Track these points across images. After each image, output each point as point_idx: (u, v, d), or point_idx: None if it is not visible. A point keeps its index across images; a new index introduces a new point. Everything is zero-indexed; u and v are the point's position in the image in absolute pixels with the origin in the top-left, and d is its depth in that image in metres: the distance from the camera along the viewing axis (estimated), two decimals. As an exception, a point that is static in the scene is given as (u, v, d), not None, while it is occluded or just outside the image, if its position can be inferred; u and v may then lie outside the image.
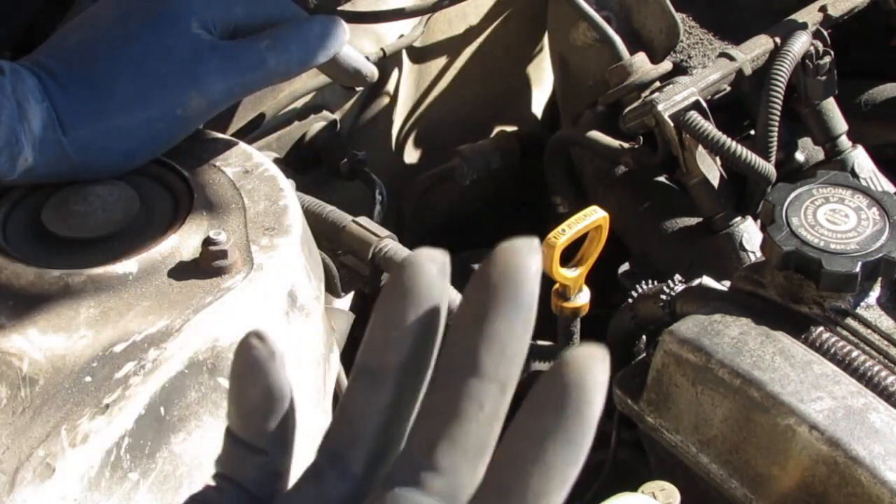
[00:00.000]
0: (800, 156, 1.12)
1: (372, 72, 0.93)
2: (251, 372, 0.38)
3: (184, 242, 0.74)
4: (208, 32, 0.79)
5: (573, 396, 0.33)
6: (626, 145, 1.11)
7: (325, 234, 0.94)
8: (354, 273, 0.95)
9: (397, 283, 0.36)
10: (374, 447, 0.36)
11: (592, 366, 0.33)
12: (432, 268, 0.37)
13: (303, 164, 1.11)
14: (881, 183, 1.08)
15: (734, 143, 1.00)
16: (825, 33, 1.08)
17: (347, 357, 0.96)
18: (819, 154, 1.12)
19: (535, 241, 0.35)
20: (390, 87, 1.20)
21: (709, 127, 1.00)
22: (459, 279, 1.18)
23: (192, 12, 0.79)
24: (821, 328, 0.83)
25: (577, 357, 0.34)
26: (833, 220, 0.85)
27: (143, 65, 0.77)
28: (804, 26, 1.08)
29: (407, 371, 0.37)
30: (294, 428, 0.39)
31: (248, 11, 0.82)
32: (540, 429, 0.34)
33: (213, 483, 0.39)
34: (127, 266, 0.72)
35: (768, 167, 1.03)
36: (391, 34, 1.16)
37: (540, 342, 1.06)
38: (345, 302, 1.05)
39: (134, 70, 0.77)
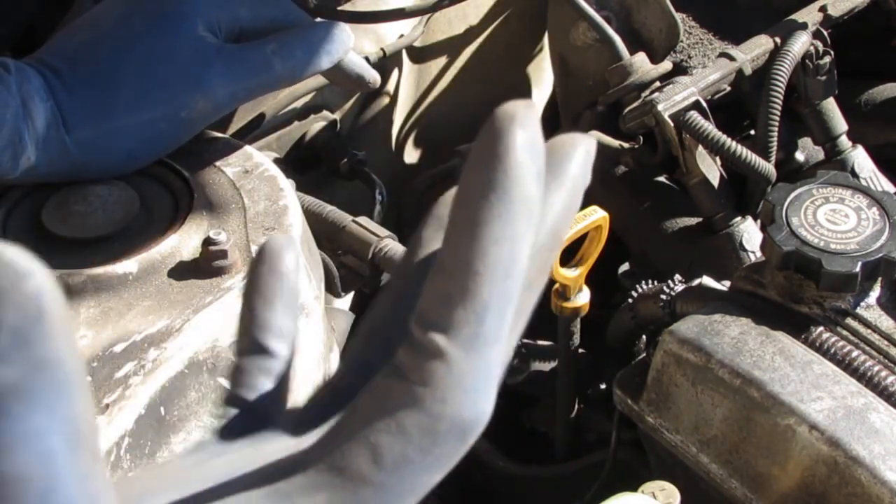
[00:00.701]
0: (800, 156, 1.12)
1: (374, 78, 0.93)
2: (272, 264, 0.38)
3: (184, 242, 0.74)
4: (213, 35, 0.79)
5: (487, 145, 0.30)
6: (626, 145, 1.11)
7: (325, 234, 0.95)
8: (354, 273, 0.95)
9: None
10: None
11: (513, 110, 0.30)
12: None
13: (303, 164, 1.11)
14: (881, 183, 1.08)
15: (734, 143, 1.00)
16: (825, 33, 1.08)
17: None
18: (819, 154, 1.12)
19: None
20: (390, 87, 1.20)
21: (709, 127, 1.00)
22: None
23: (198, 15, 0.79)
24: (821, 328, 0.83)
25: (497, 111, 0.30)
26: (833, 220, 0.85)
27: (148, 66, 0.77)
28: (804, 26, 1.08)
29: None
30: (296, 331, 0.39)
31: (252, 15, 0.82)
32: (462, 185, 0.31)
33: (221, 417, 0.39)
34: (127, 266, 0.72)
35: (768, 167, 1.03)
36: (391, 34, 1.16)
37: (540, 342, 1.06)
38: (345, 302, 1.05)
39: (139, 71, 0.77)
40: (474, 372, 0.31)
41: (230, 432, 0.37)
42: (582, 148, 0.33)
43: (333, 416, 0.34)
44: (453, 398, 0.30)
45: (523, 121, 0.30)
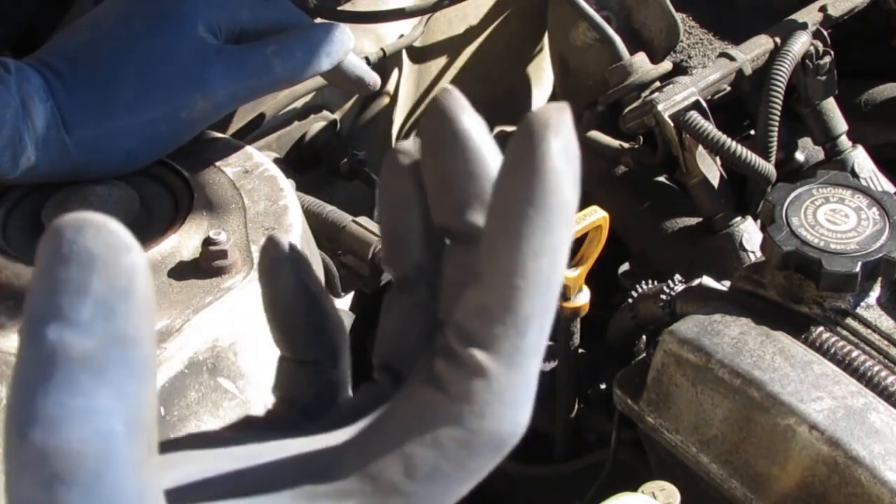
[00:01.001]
0: (800, 156, 1.13)
1: (374, 80, 0.93)
2: (275, 277, 0.37)
3: (184, 242, 0.74)
4: (214, 36, 0.79)
5: (522, 152, 0.29)
6: (626, 145, 1.11)
7: (325, 234, 0.94)
8: (354, 273, 0.95)
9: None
10: (419, 352, 0.34)
11: (546, 116, 0.29)
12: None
13: (303, 164, 1.11)
14: (881, 183, 1.08)
15: (734, 143, 1.00)
16: (825, 33, 1.08)
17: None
18: (819, 154, 1.12)
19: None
20: (390, 87, 1.20)
21: (709, 127, 1.00)
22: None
23: (198, 15, 0.79)
24: (821, 328, 0.83)
25: (530, 117, 0.30)
26: (833, 220, 0.85)
27: (148, 66, 0.77)
28: (804, 26, 1.08)
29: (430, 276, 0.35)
30: (341, 332, 0.38)
31: (253, 16, 0.82)
32: (498, 195, 0.30)
33: (270, 407, 0.39)
34: (127, 266, 0.72)
35: (768, 167, 1.03)
36: (391, 34, 1.16)
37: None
38: (345, 302, 1.05)
39: (139, 71, 0.77)
40: (514, 387, 0.31)
41: (275, 421, 0.37)
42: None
43: (367, 414, 0.34)
44: (492, 413, 0.30)
45: (557, 126, 0.29)
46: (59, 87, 0.76)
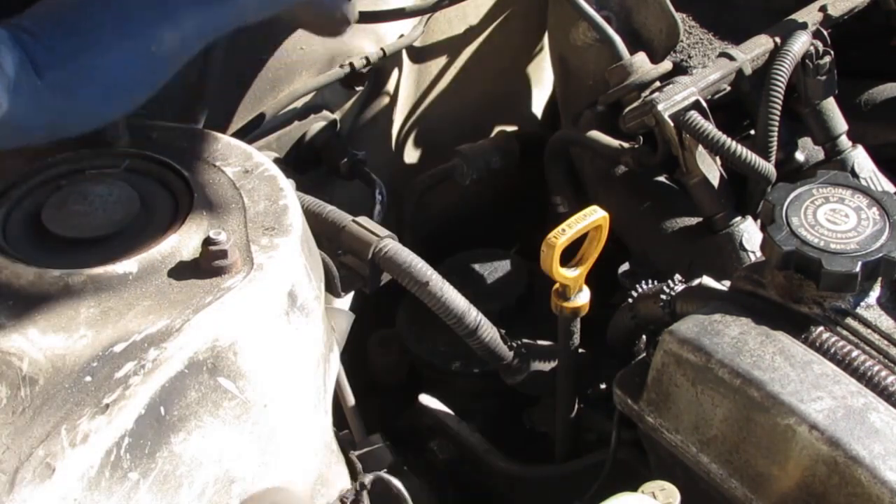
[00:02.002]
0: (800, 156, 1.13)
1: (350, 13, 0.91)
2: None
3: (184, 242, 0.74)
4: None
5: None
6: (626, 145, 1.11)
7: (325, 234, 0.95)
8: (354, 273, 0.95)
9: None
10: None
11: None
12: None
13: (303, 164, 1.11)
14: (881, 183, 1.08)
15: (734, 143, 1.01)
16: (825, 33, 1.08)
17: (347, 357, 0.96)
18: (819, 154, 1.12)
19: None
20: (390, 87, 1.20)
21: (709, 127, 1.00)
22: (459, 279, 1.17)
23: None
24: (821, 328, 0.83)
25: None
26: (833, 220, 0.85)
27: (115, 3, 0.77)
28: (804, 26, 1.08)
29: None
30: None
31: None
32: None
33: None
34: (127, 266, 0.72)
35: (768, 167, 1.03)
36: (391, 34, 1.16)
37: (540, 342, 1.06)
38: (345, 302, 1.05)
39: (104, 8, 0.77)
40: None
41: None
42: None
43: None
44: None
45: None
46: (27, 38, 0.75)
